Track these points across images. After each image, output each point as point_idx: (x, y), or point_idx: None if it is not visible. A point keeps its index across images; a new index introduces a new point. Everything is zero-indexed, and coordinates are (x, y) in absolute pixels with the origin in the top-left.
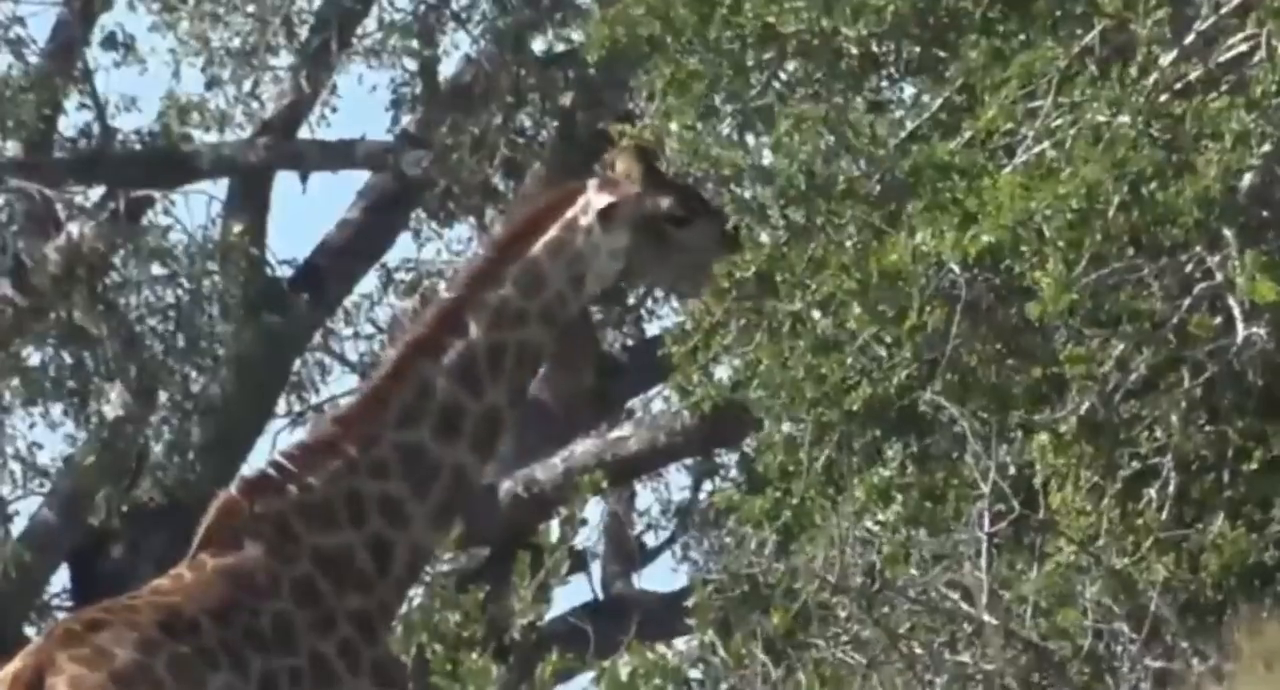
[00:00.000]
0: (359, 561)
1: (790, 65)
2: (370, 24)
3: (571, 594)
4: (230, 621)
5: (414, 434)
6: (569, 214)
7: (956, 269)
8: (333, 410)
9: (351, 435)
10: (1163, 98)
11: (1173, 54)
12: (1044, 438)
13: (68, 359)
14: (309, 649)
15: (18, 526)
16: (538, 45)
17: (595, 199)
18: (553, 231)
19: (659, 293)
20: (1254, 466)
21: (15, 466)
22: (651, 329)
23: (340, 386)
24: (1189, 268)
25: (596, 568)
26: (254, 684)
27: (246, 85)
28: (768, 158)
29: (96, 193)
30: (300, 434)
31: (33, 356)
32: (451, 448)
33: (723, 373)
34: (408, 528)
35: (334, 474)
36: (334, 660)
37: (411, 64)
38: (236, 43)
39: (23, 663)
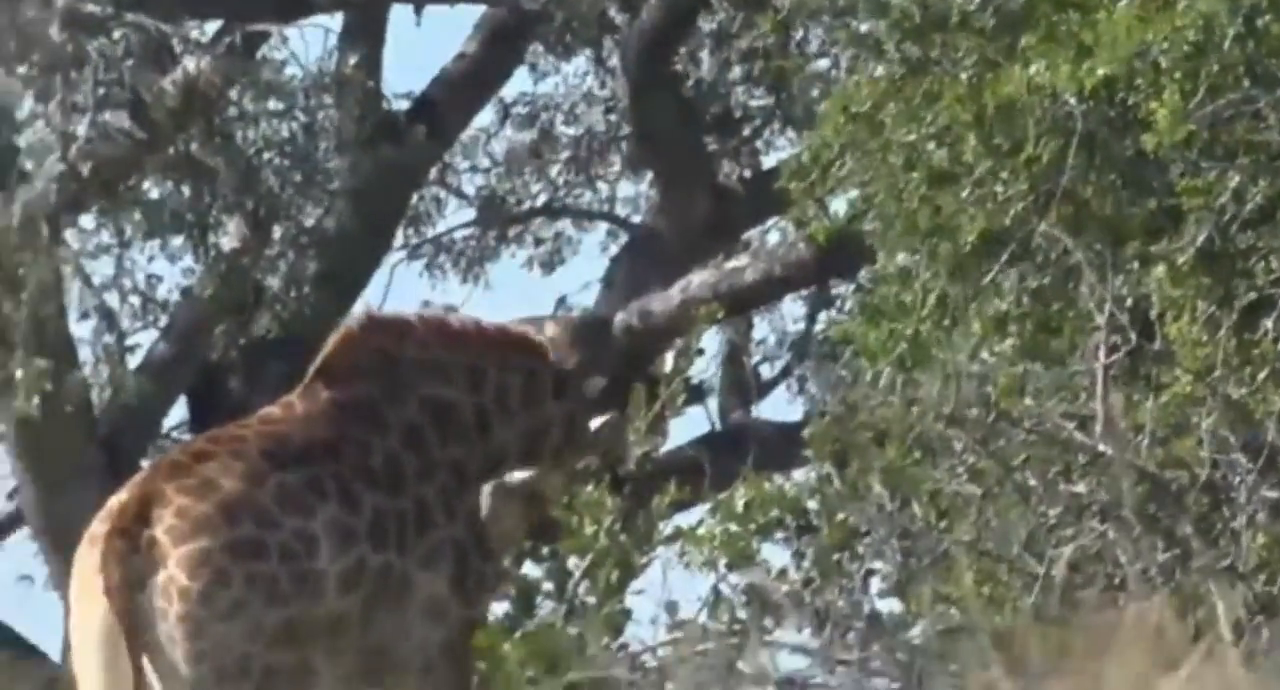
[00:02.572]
0: (465, 418)
1: None
2: None
3: (687, 426)
4: (341, 454)
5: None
6: None
7: (1072, 101)
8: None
9: (489, 350)
10: None
11: None
12: (1160, 269)
13: (186, 192)
14: (414, 494)
15: (135, 359)
16: None
17: None
18: None
19: (775, 124)
20: None
21: (134, 300)
22: (767, 161)
23: (457, 219)
24: None
25: (713, 399)
26: (364, 520)
27: None
28: None
29: (212, 27)
30: (417, 267)
31: (151, 190)
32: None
33: (839, 205)
34: (512, 424)
35: (461, 349)
36: (434, 507)
37: None
38: None
39: (129, 494)
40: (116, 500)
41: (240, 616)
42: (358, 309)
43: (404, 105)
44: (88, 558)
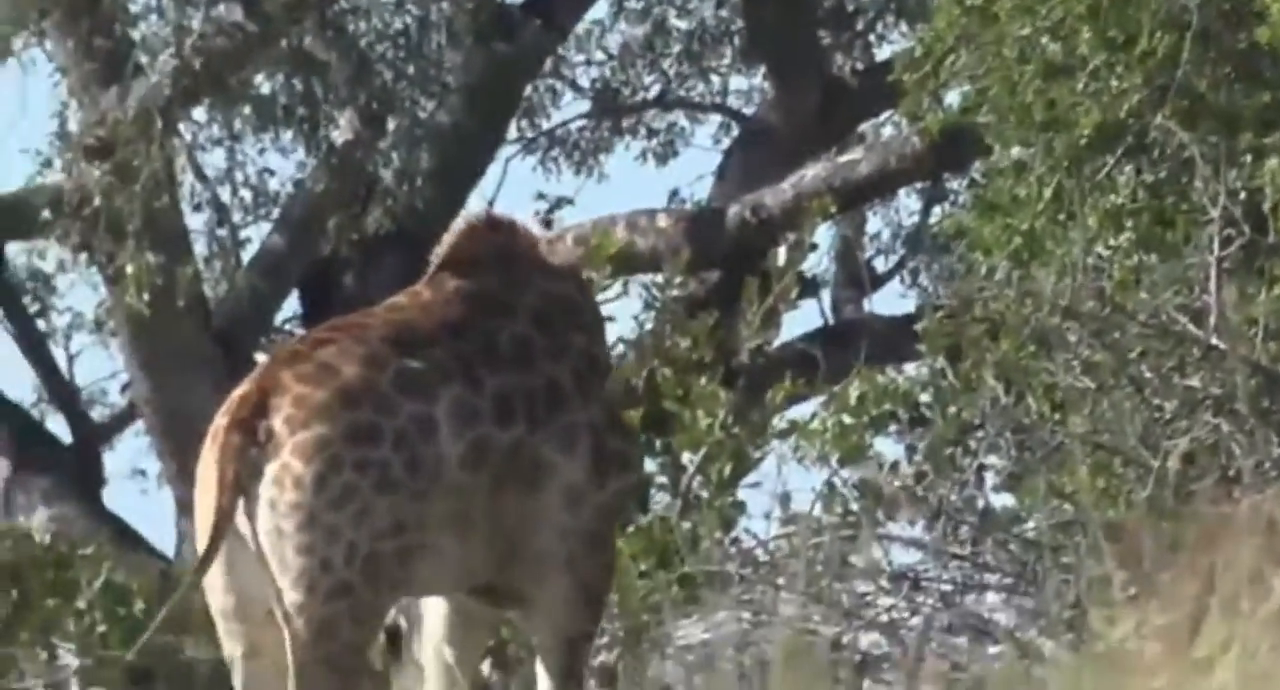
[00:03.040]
0: (587, 313)
1: None
2: None
3: (801, 319)
4: (467, 338)
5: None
6: None
7: None
8: None
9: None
10: None
11: None
12: (1274, 162)
13: (298, 86)
14: (545, 372)
15: (249, 253)
16: None
17: None
18: None
19: (888, 17)
20: None
21: (246, 193)
22: (880, 53)
23: (571, 111)
24: None
25: (826, 293)
26: (488, 400)
27: None
28: None
29: None
30: (530, 160)
31: (264, 84)
32: None
33: (953, 98)
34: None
35: (574, 264)
36: (567, 387)
37: None
38: None
39: (249, 386)
40: (237, 392)
41: (349, 504)
42: (472, 203)
43: None
44: (209, 452)
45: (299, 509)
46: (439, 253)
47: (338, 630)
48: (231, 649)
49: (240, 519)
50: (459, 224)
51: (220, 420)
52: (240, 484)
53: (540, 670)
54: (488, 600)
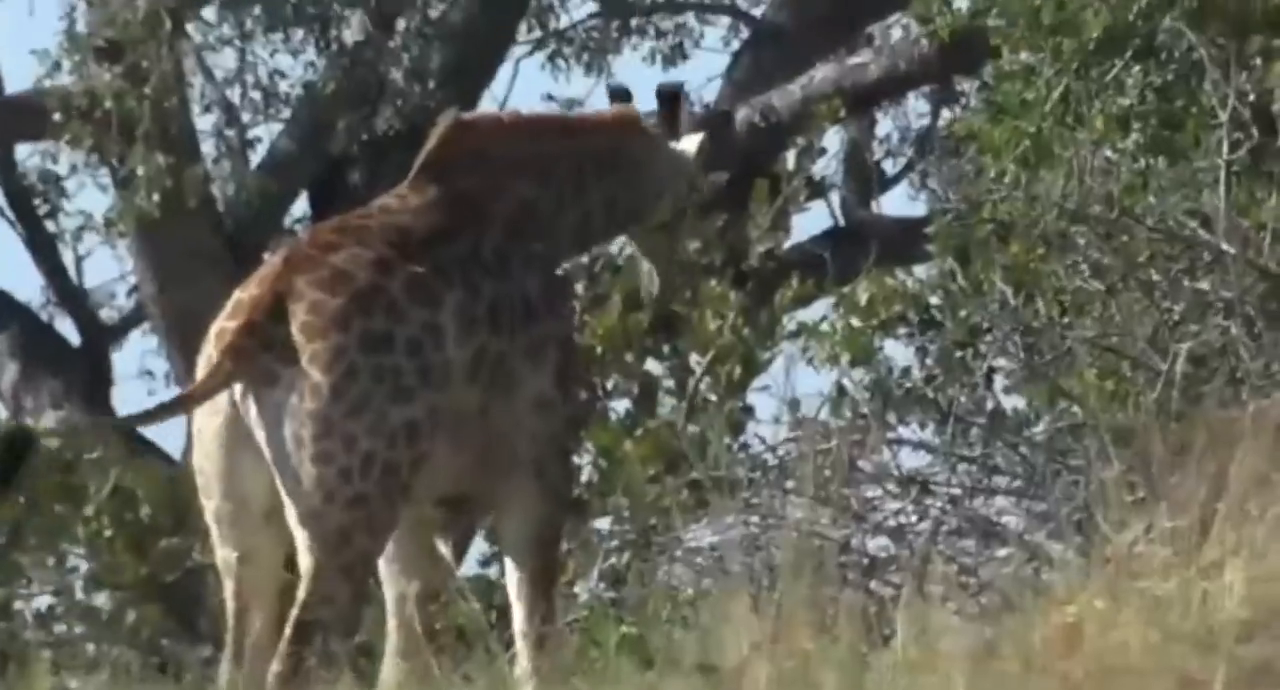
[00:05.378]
0: (562, 218)
1: None
2: None
3: (810, 221)
4: (457, 243)
5: None
6: None
7: None
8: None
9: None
10: None
11: None
12: None
13: None
14: (520, 283)
15: (258, 154)
16: None
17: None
18: None
19: None
20: None
21: (256, 94)
22: None
23: (581, 12)
24: None
25: (835, 195)
26: (484, 306)
27: None
28: None
29: None
30: (539, 57)
31: None
32: None
33: (962, 1)
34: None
35: (544, 139)
36: (537, 300)
37: None
38: None
39: (260, 289)
40: (245, 294)
41: (366, 414)
42: (484, 103)
43: None
44: (212, 351)
45: (317, 418)
46: (419, 156)
47: (354, 538)
48: (226, 554)
49: (250, 422)
50: (435, 128)
51: (227, 323)
52: (249, 387)
53: (511, 570)
54: (453, 509)
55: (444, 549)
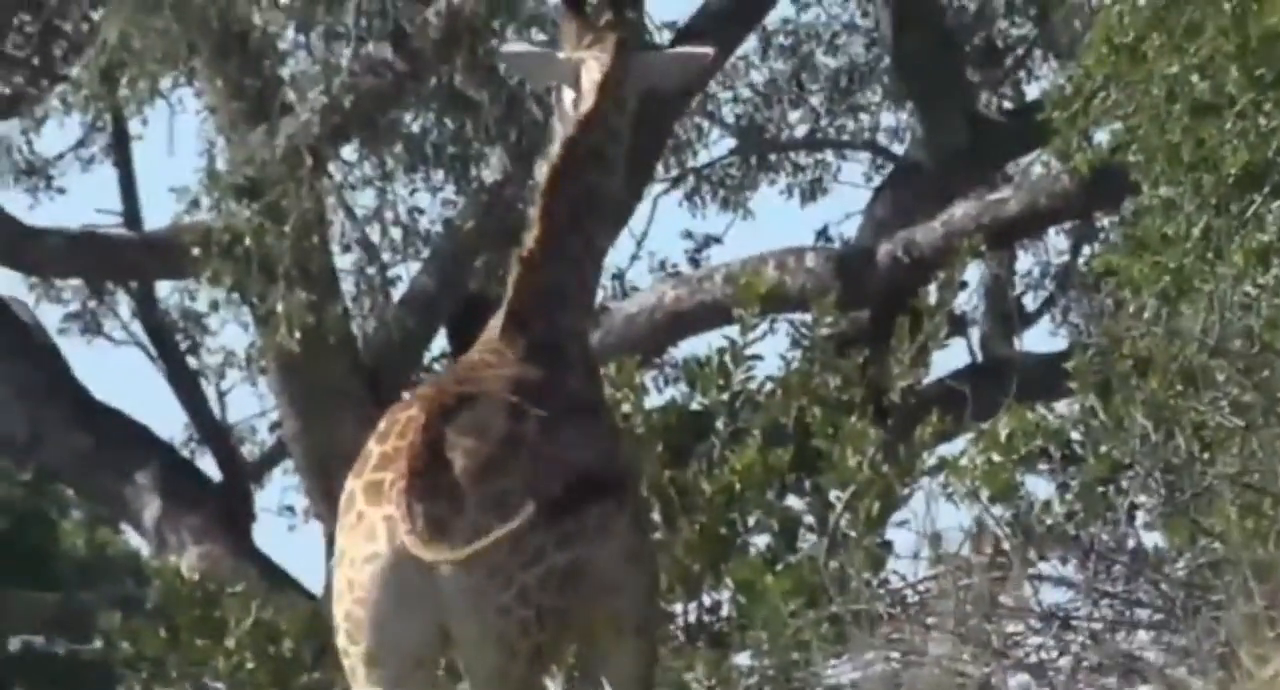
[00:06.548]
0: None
1: None
2: None
3: (950, 357)
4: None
5: None
6: None
7: None
8: None
9: None
10: None
11: None
12: None
13: (449, 124)
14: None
15: (399, 291)
16: None
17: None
18: None
19: (1037, 55)
20: None
21: (396, 232)
22: (1029, 91)
23: (718, 150)
24: None
25: (975, 331)
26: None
27: None
28: None
29: None
30: (677, 194)
31: (413, 122)
32: None
33: (1102, 136)
34: None
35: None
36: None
37: None
38: None
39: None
40: (390, 446)
41: (540, 563)
42: (622, 240)
43: (667, 35)
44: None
45: (500, 571)
46: (504, 304)
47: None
48: None
49: (418, 568)
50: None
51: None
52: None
53: None
54: None
55: None
